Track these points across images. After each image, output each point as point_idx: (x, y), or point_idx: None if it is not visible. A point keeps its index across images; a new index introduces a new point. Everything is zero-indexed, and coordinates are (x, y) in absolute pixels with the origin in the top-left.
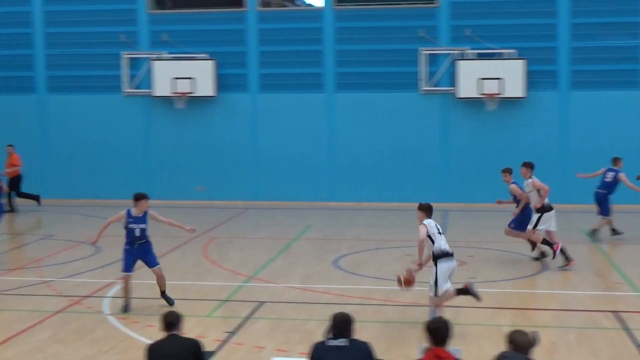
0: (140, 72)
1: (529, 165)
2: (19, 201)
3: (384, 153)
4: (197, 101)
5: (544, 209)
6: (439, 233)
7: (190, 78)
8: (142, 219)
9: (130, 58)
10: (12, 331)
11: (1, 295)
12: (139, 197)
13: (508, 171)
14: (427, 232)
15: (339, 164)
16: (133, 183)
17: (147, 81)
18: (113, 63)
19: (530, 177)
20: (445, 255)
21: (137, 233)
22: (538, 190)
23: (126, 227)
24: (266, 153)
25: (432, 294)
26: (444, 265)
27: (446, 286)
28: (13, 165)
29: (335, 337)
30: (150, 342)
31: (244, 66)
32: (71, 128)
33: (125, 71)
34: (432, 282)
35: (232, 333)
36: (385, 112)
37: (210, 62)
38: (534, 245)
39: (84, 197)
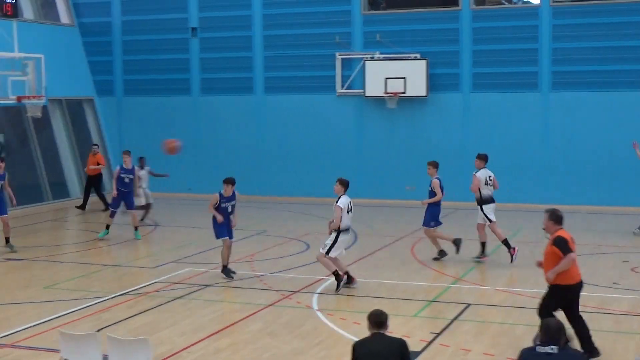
0: (353, 73)
1: (434, 165)
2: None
3: (601, 155)
4: (408, 101)
5: (483, 201)
6: (347, 212)
7: (402, 78)
8: (232, 198)
9: (344, 59)
10: (227, 322)
11: (217, 287)
12: (230, 181)
13: (433, 164)
14: (342, 212)
15: (552, 166)
16: None
17: (360, 81)
18: (327, 64)
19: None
20: (347, 229)
21: (229, 209)
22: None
23: (220, 206)
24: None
25: (323, 251)
26: (343, 237)
27: (337, 253)
28: (99, 163)
29: (545, 344)
30: (356, 339)
31: (457, 65)
32: (285, 127)
33: (338, 72)
34: (329, 244)
35: (438, 334)
36: (605, 112)
37: (422, 61)
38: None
39: (296, 194)
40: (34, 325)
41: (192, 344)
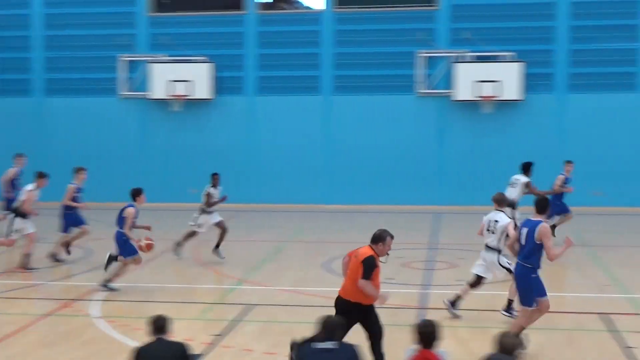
0: (138, 75)
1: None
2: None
3: (380, 156)
4: (194, 104)
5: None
6: None
7: (187, 81)
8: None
9: (129, 61)
10: (0, 335)
11: None
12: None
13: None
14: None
15: (335, 167)
16: (128, 185)
17: (145, 84)
18: (111, 65)
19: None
20: None
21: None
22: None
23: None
24: (263, 155)
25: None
26: None
27: None
28: None
29: (323, 340)
30: (138, 345)
31: (242, 69)
32: (69, 131)
33: (122, 74)
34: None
35: (220, 335)
36: (383, 115)
37: (208, 64)
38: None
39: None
40: None
41: None
